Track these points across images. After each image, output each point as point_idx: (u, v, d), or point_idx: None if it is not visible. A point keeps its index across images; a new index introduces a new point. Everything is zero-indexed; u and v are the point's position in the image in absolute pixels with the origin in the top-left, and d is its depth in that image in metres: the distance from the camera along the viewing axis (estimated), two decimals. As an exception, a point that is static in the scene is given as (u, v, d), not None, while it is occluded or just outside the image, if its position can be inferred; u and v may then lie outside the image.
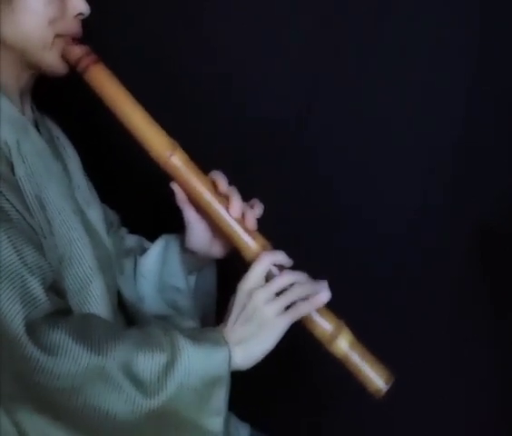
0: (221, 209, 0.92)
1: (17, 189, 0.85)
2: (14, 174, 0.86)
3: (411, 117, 1.33)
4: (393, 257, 1.39)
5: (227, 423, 1.07)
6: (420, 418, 1.42)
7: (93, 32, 1.00)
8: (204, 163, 0.95)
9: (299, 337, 1.40)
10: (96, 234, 1.00)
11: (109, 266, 1.01)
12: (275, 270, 0.88)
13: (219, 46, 1.35)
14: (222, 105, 1.37)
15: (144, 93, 0.96)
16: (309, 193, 1.39)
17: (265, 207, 0.95)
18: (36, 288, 0.78)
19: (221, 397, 0.83)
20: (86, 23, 0.97)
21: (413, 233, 1.38)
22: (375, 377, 0.88)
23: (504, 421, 1.39)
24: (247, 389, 0.87)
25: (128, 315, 1.06)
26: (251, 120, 1.36)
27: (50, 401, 0.78)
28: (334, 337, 0.88)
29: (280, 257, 0.89)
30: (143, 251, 1.11)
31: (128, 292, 1.06)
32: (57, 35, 0.92)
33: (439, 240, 1.37)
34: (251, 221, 0.92)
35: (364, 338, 0.90)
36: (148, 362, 0.79)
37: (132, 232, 1.16)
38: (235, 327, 0.85)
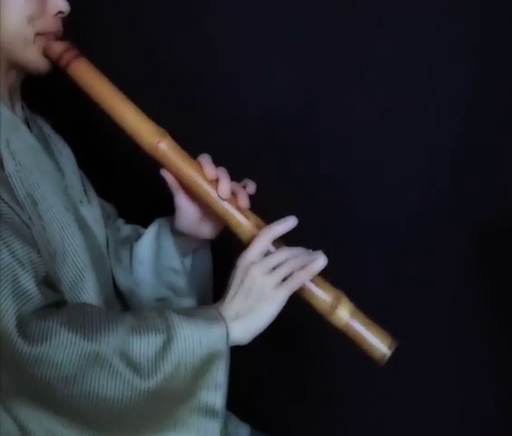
0: (211, 191, 0.93)
1: (7, 184, 0.85)
2: (3, 171, 0.86)
3: (411, 117, 1.33)
4: (393, 257, 1.39)
5: (227, 423, 1.08)
6: (420, 418, 1.42)
7: (90, 32, 1.01)
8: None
9: (298, 338, 1.40)
10: (89, 231, 1.00)
11: (102, 263, 1.01)
12: (273, 248, 0.89)
13: (219, 46, 1.36)
14: (222, 104, 1.37)
15: (144, 93, 0.96)
16: (308, 193, 1.39)
17: (265, 205, 0.95)
18: (28, 282, 0.78)
19: (220, 371, 0.82)
20: (86, 22, 0.97)
21: (413, 233, 1.38)
22: (378, 343, 0.88)
23: (504, 421, 1.39)
24: (247, 389, 0.87)
25: (124, 304, 1.07)
26: (251, 119, 1.36)
27: (47, 393, 0.77)
28: (334, 307, 0.88)
29: (280, 229, 0.89)
30: (139, 237, 1.12)
31: (124, 281, 1.07)
32: (38, 34, 0.93)
33: (439, 240, 1.37)
34: (243, 200, 0.93)
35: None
36: (143, 345, 0.79)
37: (127, 222, 1.18)
38: (233, 302, 0.85)
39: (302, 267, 0.87)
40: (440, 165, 1.35)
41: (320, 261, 0.88)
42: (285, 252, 0.88)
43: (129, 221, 1.19)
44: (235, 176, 0.96)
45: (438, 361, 1.39)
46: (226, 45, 1.35)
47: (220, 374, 0.82)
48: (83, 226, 0.98)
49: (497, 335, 1.38)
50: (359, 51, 1.32)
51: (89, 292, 0.94)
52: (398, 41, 1.30)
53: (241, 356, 0.86)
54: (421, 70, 1.30)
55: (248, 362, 0.88)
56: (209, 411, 0.82)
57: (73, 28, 0.99)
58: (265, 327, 0.86)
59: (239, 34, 1.34)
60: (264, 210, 0.95)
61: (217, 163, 0.96)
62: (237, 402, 0.89)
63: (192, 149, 0.96)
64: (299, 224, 0.90)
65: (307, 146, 1.38)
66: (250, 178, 0.97)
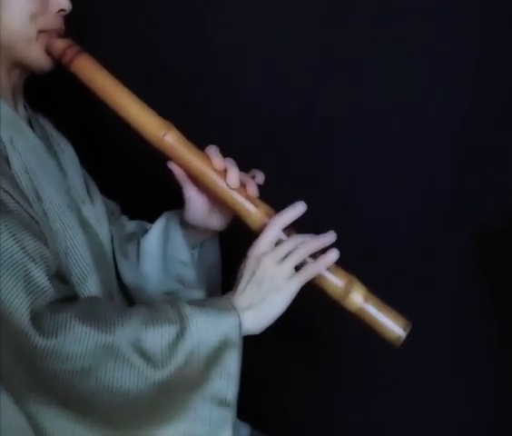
0: (220, 181, 0.93)
1: (15, 182, 0.85)
2: (10, 168, 0.86)
3: (411, 117, 1.33)
4: (393, 257, 1.39)
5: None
6: (420, 418, 1.42)
7: (91, 31, 1.01)
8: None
9: (298, 338, 1.40)
10: (92, 231, 1.01)
11: (104, 263, 1.02)
12: (284, 236, 0.89)
13: (219, 46, 1.36)
14: (222, 104, 1.37)
15: (144, 93, 0.96)
16: (308, 193, 1.38)
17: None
18: (40, 277, 0.79)
19: (232, 360, 0.83)
20: (86, 21, 0.97)
21: (413, 233, 1.38)
22: (393, 325, 0.88)
23: (504, 421, 1.39)
24: (247, 389, 0.87)
25: (130, 301, 1.07)
26: (251, 119, 1.36)
27: (62, 386, 0.78)
28: (347, 292, 0.88)
29: (290, 216, 0.90)
30: (145, 232, 1.12)
31: (131, 277, 1.08)
32: (40, 31, 0.94)
33: (439, 240, 1.37)
34: (252, 188, 0.93)
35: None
36: (157, 336, 0.79)
37: (132, 218, 1.18)
38: (245, 292, 0.86)
39: (314, 256, 0.88)
40: (440, 165, 1.35)
41: (333, 253, 0.88)
42: (295, 240, 0.88)
43: (133, 217, 1.19)
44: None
45: (438, 362, 1.39)
46: (226, 45, 1.35)
47: (232, 364, 0.82)
48: (85, 226, 0.98)
49: (497, 335, 1.38)
50: (359, 51, 1.32)
51: (91, 291, 0.94)
52: (398, 41, 1.30)
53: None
54: (421, 70, 1.30)
55: (248, 362, 0.87)
56: (221, 401, 0.82)
57: (74, 28, 0.99)
58: (277, 317, 0.86)
59: (239, 34, 1.34)
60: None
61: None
62: (237, 402, 0.89)
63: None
64: (299, 225, 0.91)
65: (307, 146, 1.38)
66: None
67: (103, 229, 1.04)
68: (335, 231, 1.38)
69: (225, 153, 0.96)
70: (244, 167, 0.97)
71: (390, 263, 1.39)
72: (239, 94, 1.37)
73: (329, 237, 0.89)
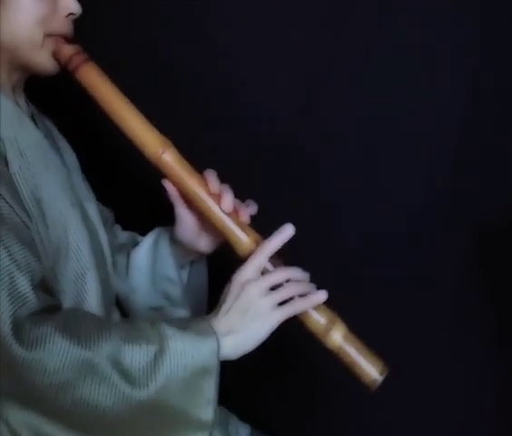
0: (213, 204, 0.93)
1: (11, 184, 0.84)
2: (8, 170, 0.85)
3: (411, 117, 1.33)
4: (393, 257, 1.39)
5: (227, 423, 1.08)
6: (420, 418, 1.42)
7: (91, 31, 1.01)
8: (203, 164, 0.96)
9: (298, 338, 1.40)
10: (93, 228, 1.00)
11: (103, 261, 1.01)
12: (270, 266, 0.89)
13: (219, 46, 1.36)
14: (222, 104, 1.37)
15: (144, 93, 0.96)
16: (308, 193, 1.39)
17: (263, 207, 0.95)
18: (24, 285, 0.78)
19: (211, 386, 0.82)
20: (87, 21, 0.97)
21: (413, 233, 1.38)
22: (370, 368, 0.88)
23: (504, 421, 1.39)
24: (247, 389, 0.87)
25: (120, 309, 1.08)
26: (251, 119, 1.36)
27: (39, 398, 0.77)
28: (328, 330, 0.88)
29: (278, 243, 0.88)
30: (136, 245, 1.12)
31: (120, 287, 1.08)
32: (48, 35, 0.93)
33: (439, 240, 1.37)
34: (244, 215, 0.93)
35: (363, 339, 0.90)
36: (136, 355, 0.79)
37: (126, 229, 1.18)
38: (227, 317, 0.85)
39: (302, 294, 0.87)
40: (440, 165, 1.35)
41: (321, 293, 0.87)
42: (283, 273, 0.88)
43: (128, 227, 1.18)
44: (234, 177, 0.96)
45: (438, 362, 1.39)
46: (226, 45, 1.35)
47: (210, 390, 0.82)
48: (87, 223, 0.98)
49: (497, 335, 1.38)
50: (359, 51, 1.32)
51: (91, 288, 0.94)
52: (398, 41, 1.31)
53: (241, 356, 0.86)
54: (421, 70, 1.30)
55: (248, 362, 0.87)
56: (199, 425, 0.83)
57: (74, 28, 0.99)
58: (256, 345, 0.85)
59: (239, 34, 1.35)
60: (264, 211, 0.95)
61: (217, 163, 0.96)
62: (237, 402, 0.89)
63: (192, 149, 0.96)
64: (299, 224, 0.90)
65: (307, 147, 1.38)
66: (249, 178, 0.98)
67: (101, 229, 1.04)
68: (335, 230, 1.39)
69: (225, 153, 0.96)
70: (244, 167, 0.97)
71: (390, 263, 1.39)
72: (239, 94, 1.37)
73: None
